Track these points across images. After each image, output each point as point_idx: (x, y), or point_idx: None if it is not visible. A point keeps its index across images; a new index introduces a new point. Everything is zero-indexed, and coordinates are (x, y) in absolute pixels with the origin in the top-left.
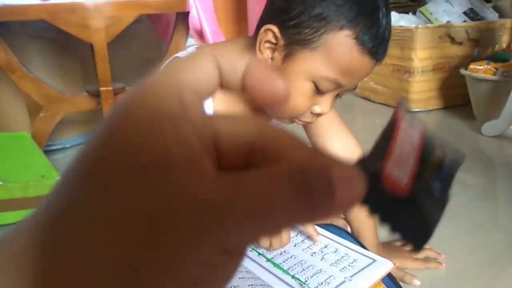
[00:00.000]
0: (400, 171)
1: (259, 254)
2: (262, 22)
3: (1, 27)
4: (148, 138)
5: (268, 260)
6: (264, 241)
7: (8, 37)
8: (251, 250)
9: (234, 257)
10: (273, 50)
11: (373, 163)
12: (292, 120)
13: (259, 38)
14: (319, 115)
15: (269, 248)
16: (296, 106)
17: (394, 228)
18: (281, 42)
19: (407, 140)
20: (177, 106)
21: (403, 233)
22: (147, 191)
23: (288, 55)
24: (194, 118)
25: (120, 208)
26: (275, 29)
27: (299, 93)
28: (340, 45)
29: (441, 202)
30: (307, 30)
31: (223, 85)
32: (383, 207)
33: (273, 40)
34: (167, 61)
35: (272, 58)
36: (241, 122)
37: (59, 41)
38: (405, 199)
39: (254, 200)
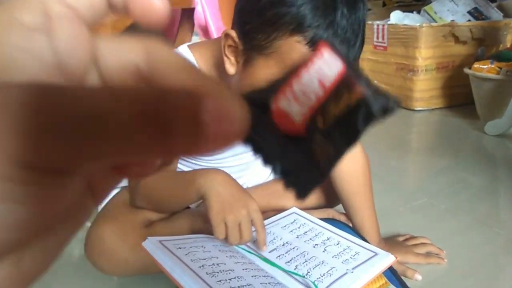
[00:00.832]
0: (295, 106)
1: (249, 252)
2: (231, 25)
3: None
4: None
5: (262, 259)
6: (220, 233)
7: None
8: (253, 241)
9: (65, 180)
10: (236, 55)
11: (266, 96)
12: None
13: (222, 42)
14: None
15: (226, 242)
16: None
17: (277, 172)
18: (240, 47)
19: (316, 76)
20: (37, 17)
21: (286, 178)
22: None
23: (247, 60)
24: (60, 32)
25: None
26: (233, 33)
27: None
28: (292, 52)
29: (339, 149)
30: (260, 35)
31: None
32: (269, 145)
33: (233, 45)
34: None
35: (237, 62)
36: (129, 42)
37: None
38: (296, 138)
39: (80, 113)
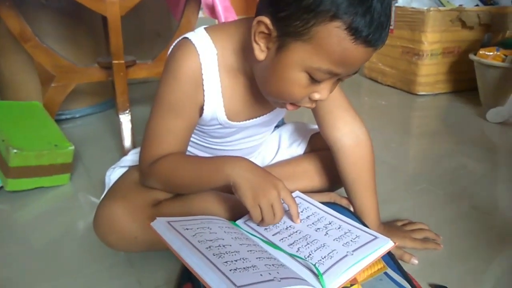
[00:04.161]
0: None
1: (252, 235)
2: (257, 11)
3: None
4: None
5: (266, 242)
6: (257, 217)
7: (21, 6)
8: (258, 224)
9: None
10: (268, 41)
11: None
12: (292, 105)
13: (253, 29)
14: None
15: (261, 223)
16: (293, 95)
17: None
18: (274, 34)
19: None
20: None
21: None
22: None
23: (281, 47)
24: None
25: None
26: (267, 20)
27: (294, 83)
28: (331, 37)
29: None
30: (297, 22)
31: None
32: None
33: (266, 31)
34: (177, 40)
35: (268, 48)
36: None
37: (71, 13)
38: None
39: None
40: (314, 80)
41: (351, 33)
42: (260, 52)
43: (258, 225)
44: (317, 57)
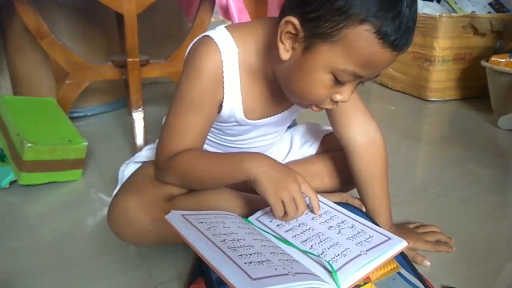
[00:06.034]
0: None
1: (265, 231)
2: (283, 11)
3: None
4: None
5: (278, 238)
6: (280, 211)
7: (37, 3)
8: (270, 221)
9: None
10: (294, 41)
11: None
12: (312, 106)
13: (279, 29)
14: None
15: (284, 218)
16: (316, 96)
17: None
18: (301, 34)
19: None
20: None
21: None
22: None
23: (307, 47)
24: None
25: None
26: (295, 21)
27: (318, 84)
28: (360, 40)
29: None
30: (327, 24)
31: None
32: None
33: (294, 32)
34: (197, 38)
35: (293, 48)
36: None
37: (86, 11)
38: None
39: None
40: (337, 82)
41: (379, 37)
42: (285, 52)
43: (280, 220)
44: (344, 59)
